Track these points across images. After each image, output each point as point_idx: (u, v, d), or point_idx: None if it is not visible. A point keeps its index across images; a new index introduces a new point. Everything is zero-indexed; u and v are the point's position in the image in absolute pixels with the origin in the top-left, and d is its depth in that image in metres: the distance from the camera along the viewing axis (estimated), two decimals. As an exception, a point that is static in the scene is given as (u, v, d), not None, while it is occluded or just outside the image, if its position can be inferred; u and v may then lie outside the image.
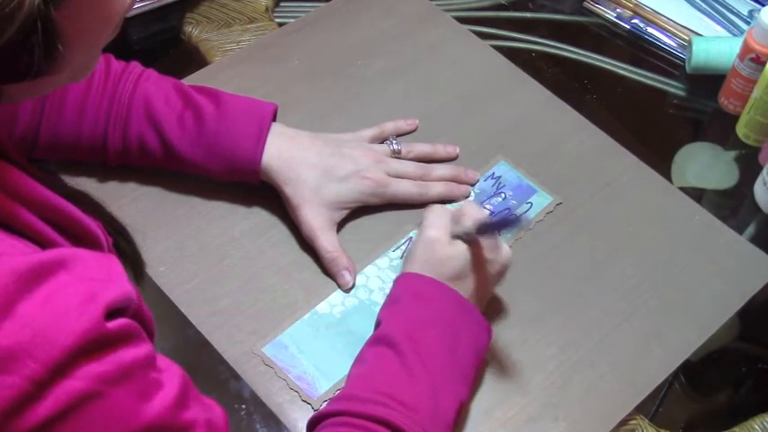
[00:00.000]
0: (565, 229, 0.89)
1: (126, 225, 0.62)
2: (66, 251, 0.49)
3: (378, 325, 0.76)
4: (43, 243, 0.51)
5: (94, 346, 0.47)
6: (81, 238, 0.54)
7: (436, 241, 0.76)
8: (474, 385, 0.77)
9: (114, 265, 0.52)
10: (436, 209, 0.79)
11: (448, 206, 0.88)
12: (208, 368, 0.79)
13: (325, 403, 0.75)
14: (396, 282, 0.78)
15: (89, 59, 0.54)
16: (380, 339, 0.73)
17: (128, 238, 0.62)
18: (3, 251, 0.47)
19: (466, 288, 0.75)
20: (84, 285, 0.48)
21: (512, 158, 0.94)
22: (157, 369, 0.53)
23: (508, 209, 0.90)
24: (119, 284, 0.50)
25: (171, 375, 0.53)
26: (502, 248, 0.77)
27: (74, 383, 0.47)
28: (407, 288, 0.76)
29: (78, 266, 0.49)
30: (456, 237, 0.76)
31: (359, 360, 0.74)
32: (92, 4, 0.48)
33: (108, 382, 0.48)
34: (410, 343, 0.71)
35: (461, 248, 0.76)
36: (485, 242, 0.75)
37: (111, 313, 0.49)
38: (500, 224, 0.74)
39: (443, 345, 0.72)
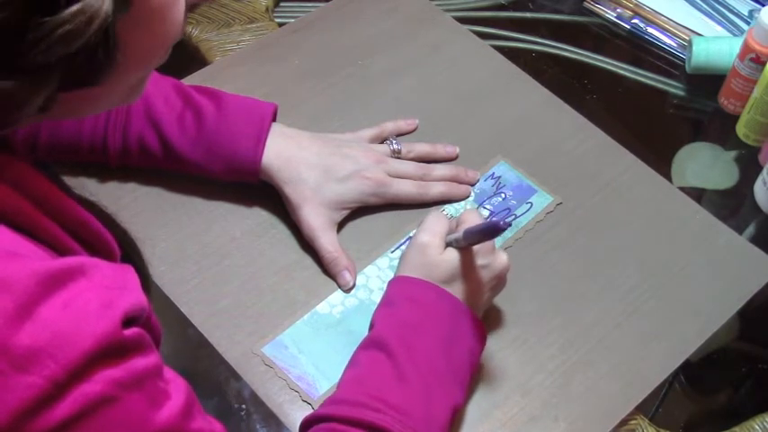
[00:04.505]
0: (565, 229, 0.89)
1: (136, 239, 0.62)
2: (85, 259, 0.50)
3: (371, 327, 0.76)
4: (62, 252, 0.51)
5: (111, 351, 0.48)
6: (98, 250, 0.55)
7: (428, 246, 0.76)
8: (472, 386, 0.77)
9: (130, 274, 0.52)
10: (434, 214, 0.79)
11: (447, 207, 0.89)
12: (208, 368, 0.79)
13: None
14: (390, 284, 0.78)
15: (140, 80, 0.55)
16: (374, 342, 0.73)
17: (138, 252, 0.62)
18: (25, 254, 0.48)
19: (455, 293, 0.75)
20: (102, 292, 0.49)
21: (512, 158, 0.94)
22: (164, 380, 0.53)
23: (508, 209, 0.90)
24: (134, 294, 0.51)
25: (177, 387, 0.54)
26: (497, 255, 0.77)
27: (91, 386, 0.47)
28: (402, 291, 0.76)
29: (97, 274, 0.49)
30: (448, 244, 0.77)
31: (352, 363, 0.74)
32: (150, 20, 0.49)
33: (123, 387, 0.48)
34: (403, 347, 0.71)
35: (452, 255, 0.75)
36: (477, 248, 0.75)
37: (127, 321, 0.49)
38: (483, 232, 0.73)
39: (437, 348, 0.72)
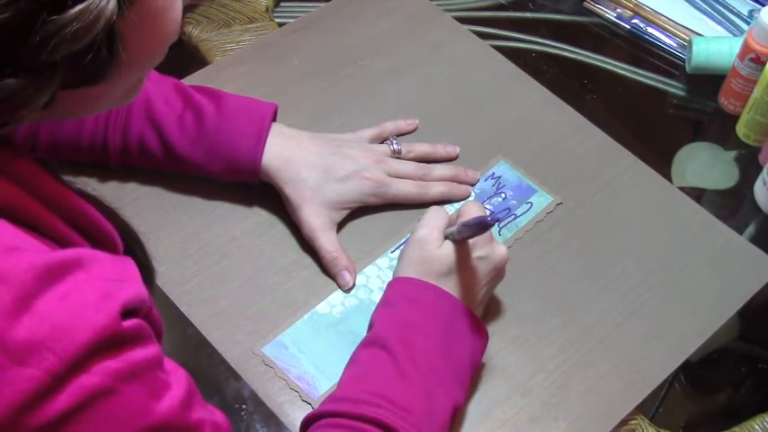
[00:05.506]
0: (565, 229, 0.89)
1: (139, 232, 0.62)
2: (84, 251, 0.50)
3: (371, 326, 0.76)
4: (64, 244, 0.52)
5: (110, 343, 0.48)
6: (100, 242, 0.55)
7: (426, 240, 0.76)
8: (472, 386, 0.77)
9: (130, 266, 0.52)
10: (433, 209, 0.80)
11: (447, 207, 0.89)
12: (208, 368, 0.79)
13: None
14: (388, 285, 0.78)
15: (138, 80, 0.56)
16: (374, 341, 0.73)
17: (140, 245, 0.63)
18: (23, 248, 0.48)
19: (452, 285, 0.75)
20: (101, 284, 0.49)
21: (512, 158, 0.94)
22: (165, 371, 0.53)
23: (508, 209, 0.90)
24: (134, 285, 0.51)
25: (177, 378, 0.54)
26: (494, 246, 0.77)
27: (89, 378, 0.47)
28: (400, 292, 0.76)
29: (95, 266, 0.49)
30: (446, 237, 0.77)
31: (352, 362, 0.74)
32: (150, 20, 0.50)
33: (121, 379, 0.49)
34: (403, 345, 0.71)
35: (449, 248, 0.76)
36: (474, 241, 0.75)
37: (126, 313, 0.49)
38: (472, 227, 0.74)
39: (437, 348, 0.72)
